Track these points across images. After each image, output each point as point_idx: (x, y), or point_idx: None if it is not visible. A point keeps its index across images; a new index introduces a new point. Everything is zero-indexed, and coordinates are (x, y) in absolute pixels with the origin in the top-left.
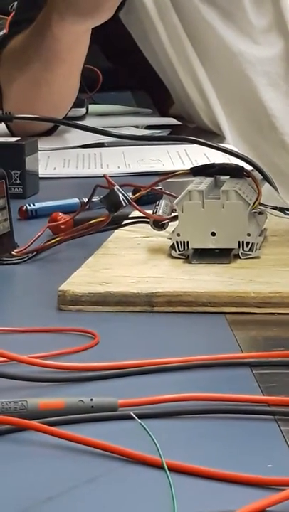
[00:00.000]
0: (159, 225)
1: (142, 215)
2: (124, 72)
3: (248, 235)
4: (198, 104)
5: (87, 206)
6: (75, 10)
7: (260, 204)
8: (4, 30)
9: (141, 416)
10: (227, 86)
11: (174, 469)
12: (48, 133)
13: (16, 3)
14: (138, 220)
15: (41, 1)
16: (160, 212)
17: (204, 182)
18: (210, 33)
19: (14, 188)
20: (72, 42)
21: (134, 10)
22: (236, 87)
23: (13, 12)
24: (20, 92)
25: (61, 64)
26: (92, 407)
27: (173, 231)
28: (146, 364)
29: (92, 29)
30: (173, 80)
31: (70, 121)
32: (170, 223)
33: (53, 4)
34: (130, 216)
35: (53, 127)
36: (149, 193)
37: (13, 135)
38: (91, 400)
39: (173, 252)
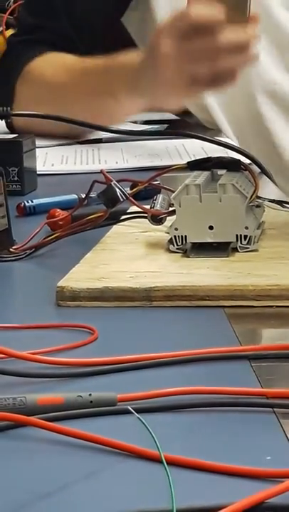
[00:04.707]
0: (156, 219)
1: (140, 210)
2: None
3: (246, 228)
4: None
5: (85, 202)
6: (150, 97)
7: (258, 197)
8: (0, 28)
9: (139, 410)
10: None
11: (173, 463)
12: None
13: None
14: (136, 215)
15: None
16: (158, 206)
17: (201, 176)
18: None
19: (12, 185)
20: (128, 107)
21: (134, 9)
22: None
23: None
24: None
25: (101, 113)
26: (91, 402)
27: (171, 225)
28: (145, 358)
29: None
30: None
31: (68, 118)
32: (168, 218)
33: (128, 79)
34: (128, 211)
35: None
36: (146, 187)
37: (12, 132)
38: (90, 395)
39: (171, 247)
